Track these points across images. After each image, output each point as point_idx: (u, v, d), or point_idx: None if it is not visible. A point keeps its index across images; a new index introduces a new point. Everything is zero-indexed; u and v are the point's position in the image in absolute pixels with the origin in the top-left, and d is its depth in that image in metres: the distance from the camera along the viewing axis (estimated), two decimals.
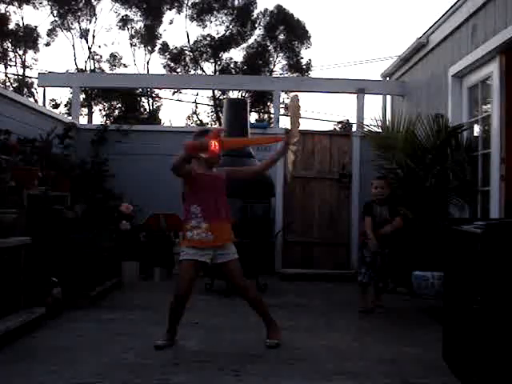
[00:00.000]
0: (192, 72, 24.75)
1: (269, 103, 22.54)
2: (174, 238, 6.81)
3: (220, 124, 18.25)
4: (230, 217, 3.64)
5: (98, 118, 23.95)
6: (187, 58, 25.30)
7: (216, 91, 24.05)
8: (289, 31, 24.77)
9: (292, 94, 4.00)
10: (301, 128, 3.84)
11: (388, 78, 8.75)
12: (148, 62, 26.51)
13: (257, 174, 4.22)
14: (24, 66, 25.72)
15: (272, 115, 18.33)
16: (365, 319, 4.74)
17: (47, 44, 25.52)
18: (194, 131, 3.77)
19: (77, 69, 24.64)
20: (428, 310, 4.84)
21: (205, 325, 4.23)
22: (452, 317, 3.17)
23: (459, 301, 3.02)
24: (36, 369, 3.04)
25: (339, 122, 24.74)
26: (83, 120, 20.41)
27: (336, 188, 7.72)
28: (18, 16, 39.64)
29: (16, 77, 25.66)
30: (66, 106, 23.52)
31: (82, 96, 19.59)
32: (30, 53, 25.88)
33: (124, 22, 25.24)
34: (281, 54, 25.35)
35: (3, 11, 23.75)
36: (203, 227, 3.47)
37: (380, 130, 6.57)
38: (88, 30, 25.49)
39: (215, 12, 24.93)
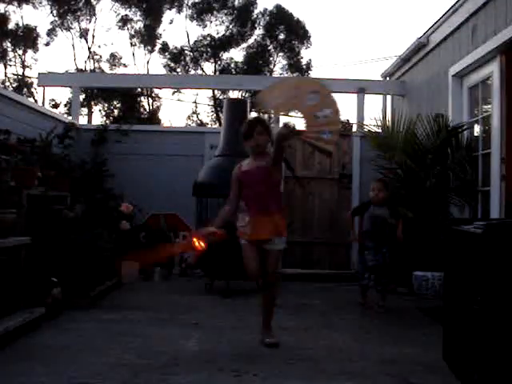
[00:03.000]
0: (192, 72, 24.73)
1: None
2: (174, 238, 6.81)
3: (220, 124, 18.20)
4: (280, 208, 3.75)
5: (98, 118, 23.96)
6: (187, 58, 25.29)
7: (216, 91, 24.05)
8: (289, 31, 24.76)
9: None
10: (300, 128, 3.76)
11: (388, 78, 8.75)
12: (148, 62, 26.55)
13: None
14: (24, 66, 25.73)
15: (272, 115, 18.30)
16: (365, 319, 4.74)
17: (47, 44, 25.52)
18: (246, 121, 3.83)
19: (77, 69, 24.61)
20: (428, 310, 4.84)
21: (205, 325, 4.23)
22: (452, 317, 3.17)
23: (459, 301, 3.02)
24: (36, 369, 3.04)
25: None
26: (83, 120, 20.43)
27: (336, 188, 7.72)
28: (18, 16, 39.64)
29: (16, 77, 25.67)
30: (65, 106, 23.48)
31: (82, 96, 19.57)
32: (30, 53, 25.90)
33: (124, 21, 25.22)
34: (281, 54, 25.35)
35: (3, 11, 23.77)
36: (246, 221, 3.67)
37: (380, 130, 6.57)
38: (88, 30, 25.51)
39: (215, 12, 24.92)
